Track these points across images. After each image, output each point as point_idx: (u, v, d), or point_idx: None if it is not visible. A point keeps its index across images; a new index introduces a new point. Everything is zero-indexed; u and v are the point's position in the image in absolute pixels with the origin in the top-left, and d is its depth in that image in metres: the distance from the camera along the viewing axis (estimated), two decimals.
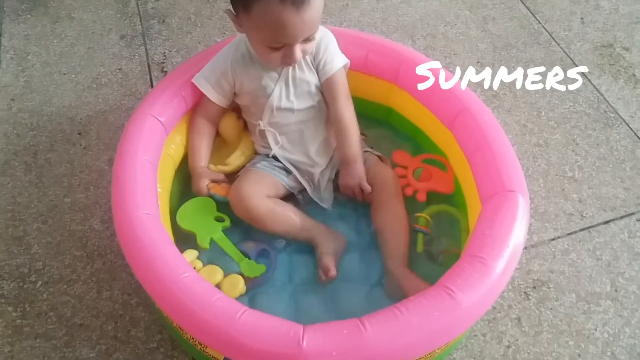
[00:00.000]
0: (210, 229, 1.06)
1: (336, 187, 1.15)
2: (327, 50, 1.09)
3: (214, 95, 1.11)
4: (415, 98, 1.16)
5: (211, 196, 1.10)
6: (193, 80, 1.11)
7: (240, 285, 0.99)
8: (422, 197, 1.13)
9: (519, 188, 0.95)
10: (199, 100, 1.14)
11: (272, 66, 1.07)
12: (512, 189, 0.95)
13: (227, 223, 1.08)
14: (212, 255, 1.05)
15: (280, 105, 1.10)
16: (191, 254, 1.02)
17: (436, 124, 1.14)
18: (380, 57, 1.17)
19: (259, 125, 1.13)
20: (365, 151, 1.15)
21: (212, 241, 1.05)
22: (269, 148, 1.14)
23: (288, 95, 1.10)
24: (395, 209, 1.09)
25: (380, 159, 1.16)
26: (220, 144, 1.19)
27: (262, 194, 1.06)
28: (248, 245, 1.06)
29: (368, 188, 1.09)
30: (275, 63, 1.04)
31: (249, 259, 1.04)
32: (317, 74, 1.10)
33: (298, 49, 0.99)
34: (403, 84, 1.17)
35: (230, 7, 1.02)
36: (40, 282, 1.11)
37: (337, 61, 1.10)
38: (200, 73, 1.11)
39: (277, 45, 0.99)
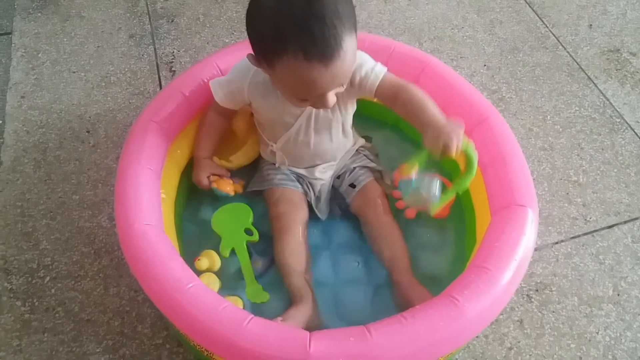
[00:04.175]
0: (235, 239, 1.06)
1: (333, 200, 1.15)
2: (362, 70, 0.98)
3: (224, 103, 1.07)
4: None
5: (212, 190, 1.11)
6: (210, 82, 1.07)
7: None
8: (411, 214, 1.06)
9: (529, 203, 0.96)
10: (206, 104, 1.11)
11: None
12: (522, 203, 0.95)
13: (256, 237, 1.07)
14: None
15: (297, 138, 1.07)
16: (211, 258, 1.03)
17: None
18: (401, 63, 1.13)
19: (271, 146, 1.11)
20: (365, 167, 1.14)
21: (232, 251, 1.06)
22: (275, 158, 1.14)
23: (307, 129, 1.05)
24: (385, 223, 1.08)
25: (380, 173, 1.16)
26: (228, 137, 1.18)
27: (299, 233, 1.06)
28: (257, 264, 1.06)
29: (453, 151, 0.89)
30: (306, 107, 0.98)
31: (257, 280, 1.04)
32: (365, 93, 1.00)
33: (331, 95, 0.90)
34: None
35: (251, 51, 0.92)
36: (48, 278, 1.13)
37: (377, 69, 0.99)
38: (218, 80, 1.07)
39: (306, 97, 0.91)
